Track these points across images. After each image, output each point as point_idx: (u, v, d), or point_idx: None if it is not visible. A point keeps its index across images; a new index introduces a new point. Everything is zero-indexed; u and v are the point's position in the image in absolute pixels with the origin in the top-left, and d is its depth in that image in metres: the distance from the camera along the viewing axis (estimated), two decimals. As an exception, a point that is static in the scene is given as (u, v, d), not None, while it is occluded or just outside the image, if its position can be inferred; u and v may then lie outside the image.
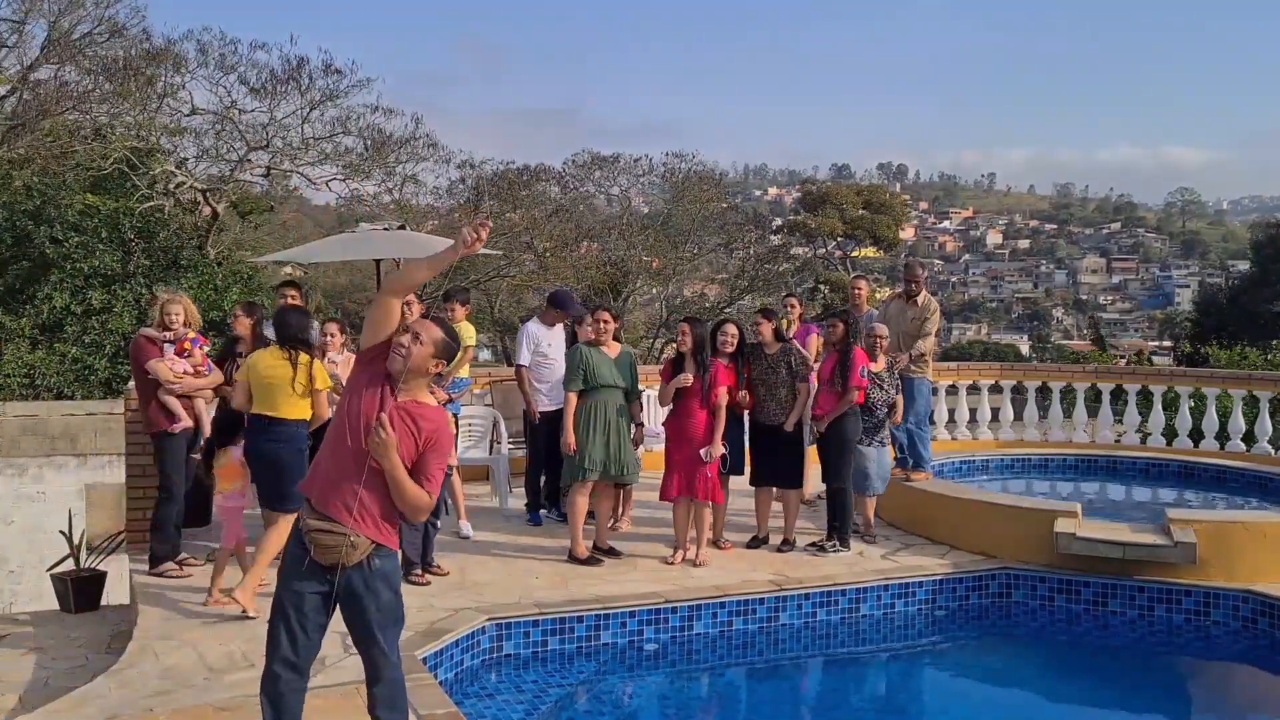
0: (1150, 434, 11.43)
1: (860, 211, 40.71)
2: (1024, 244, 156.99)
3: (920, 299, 8.73)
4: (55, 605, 7.16)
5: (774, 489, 7.95)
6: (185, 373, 7.02)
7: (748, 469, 7.90)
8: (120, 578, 7.36)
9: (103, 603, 7.18)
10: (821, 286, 39.21)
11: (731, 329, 7.66)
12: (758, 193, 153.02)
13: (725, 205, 38.07)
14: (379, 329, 3.90)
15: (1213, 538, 7.03)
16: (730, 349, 7.57)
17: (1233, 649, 6.86)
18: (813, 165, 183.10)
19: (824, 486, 8.08)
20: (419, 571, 6.84)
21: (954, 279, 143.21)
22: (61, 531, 7.63)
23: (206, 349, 7.27)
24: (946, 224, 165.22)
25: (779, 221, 46.50)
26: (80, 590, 7.02)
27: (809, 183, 55.46)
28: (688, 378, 7.31)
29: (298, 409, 6.26)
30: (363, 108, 23.18)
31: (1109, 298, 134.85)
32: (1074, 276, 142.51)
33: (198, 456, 7.05)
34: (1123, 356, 23.72)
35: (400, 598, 4.01)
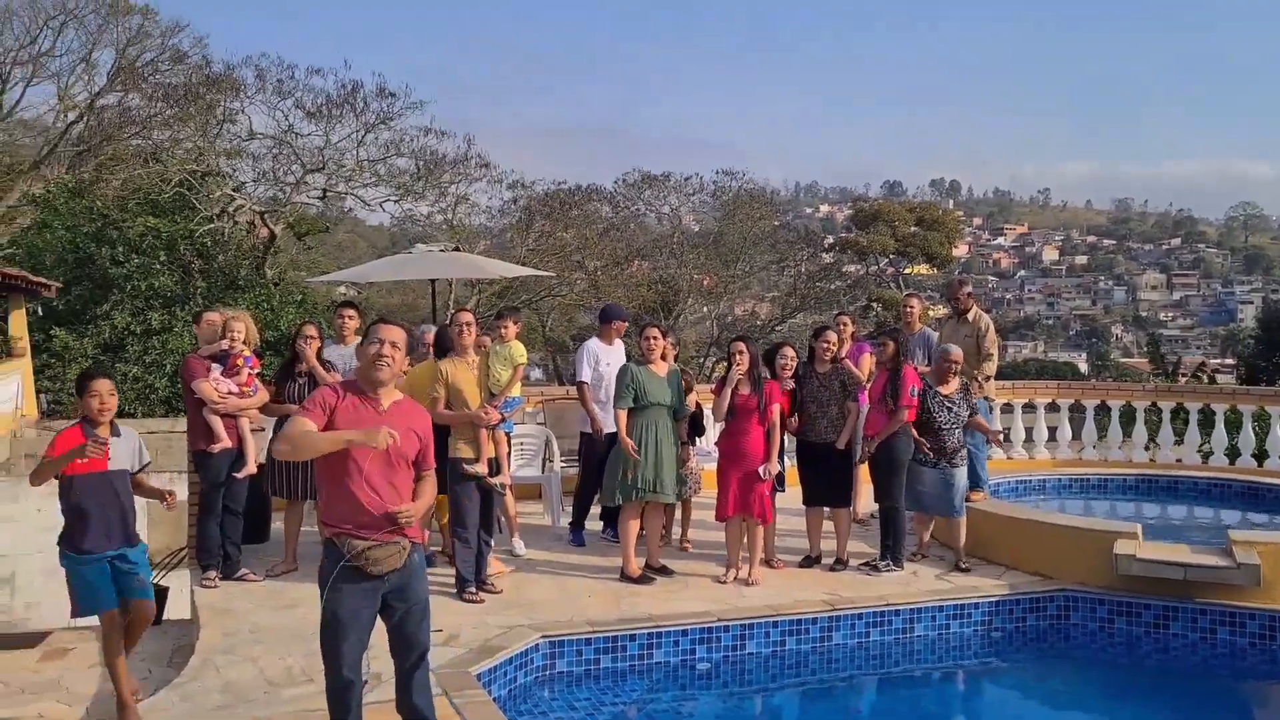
0: (1212, 453, 11.21)
1: (912, 228, 40.41)
2: (1081, 260, 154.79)
3: (971, 315, 8.66)
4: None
5: (825, 508, 7.91)
6: (230, 393, 7.17)
7: (788, 487, 7.88)
8: (182, 592, 7.51)
9: (165, 617, 7.33)
10: (874, 304, 38.93)
11: (790, 351, 7.71)
12: (809, 210, 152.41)
13: (776, 223, 38.04)
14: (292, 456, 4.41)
15: (1278, 559, 6.87)
16: (789, 373, 7.62)
17: (1301, 674, 6.69)
18: (864, 183, 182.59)
19: (876, 506, 8.03)
20: (473, 589, 6.90)
21: (1009, 296, 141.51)
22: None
23: (257, 370, 7.41)
24: (1001, 240, 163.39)
25: (830, 239, 46.38)
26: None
27: (861, 200, 55.23)
28: (742, 367, 7.32)
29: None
30: (416, 130, 23.60)
31: (1169, 314, 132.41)
32: (1133, 293, 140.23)
33: (240, 475, 7.23)
34: (1184, 374, 23.17)
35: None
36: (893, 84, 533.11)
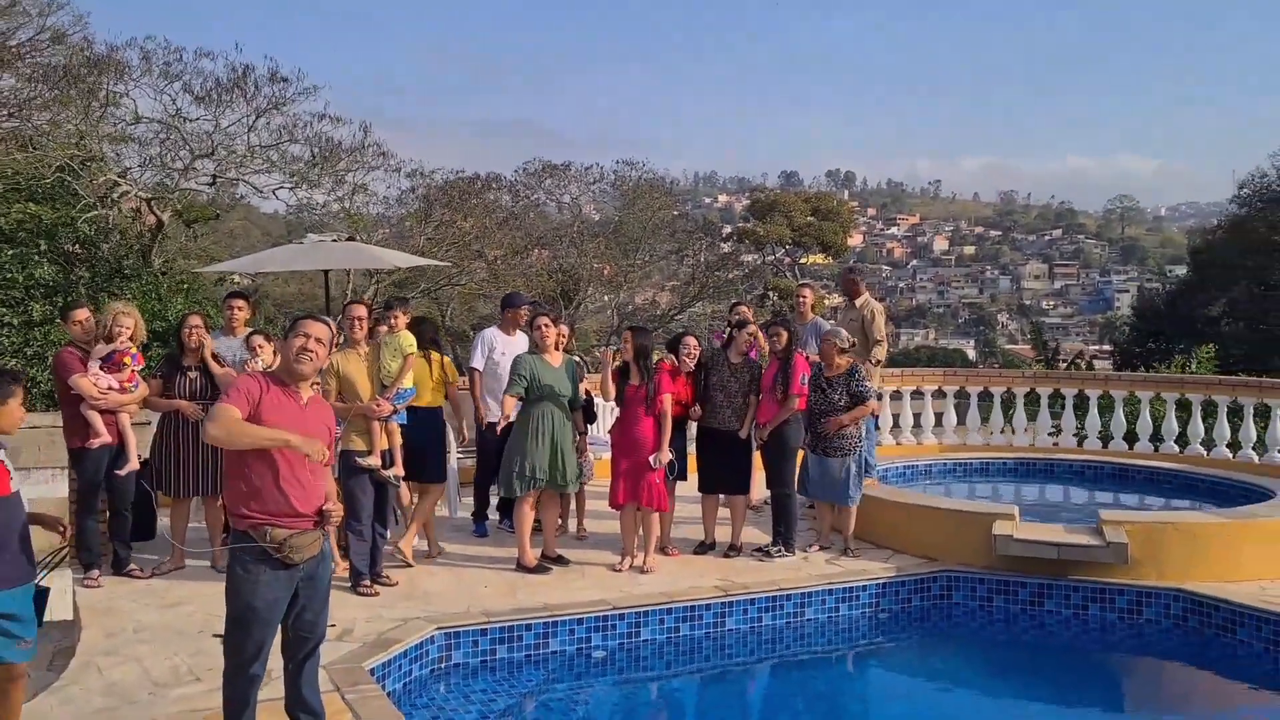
0: (1086, 436, 11.72)
1: (808, 218, 41.05)
2: (969, 250, 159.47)
3: (859, 301, 8.92)
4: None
5: (720, 495, 8.05)
6: (110, 388, 6.97)
7: (691, 475, 8.00)
8: (64, 593, 7.26)
9: (46, 619, 7.08)
10: (770, 293, 39.48)
11: (692, 341, 7.85)
12: (708, 200, 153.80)
13: (675, 213, 38.32)
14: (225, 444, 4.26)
15: (1144, 538, 7.25)
16: (693, 362, 7.76)
17: (1164, 646, 7.06)
18: (762, 173, 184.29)
19: (769, 492, 8.20)
20: (367, 582, 6.85)
21: (902, 285, 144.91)
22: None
23: (141, 367, 7.19)
24: (894, 230, 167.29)
25: (729, 229, 46.81)
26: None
27: (758, 190, 55.78)
28: (626, 354, 7.48)
29: (434, 398, 7.69)
30: (309, 115, 23.02)
31: (1051, 303, 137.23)
32: (1017, 282, 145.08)
33: (122, 472, 7.05)
34: (1063, 360, 24.13)
35: None
36: (794, 77, 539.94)
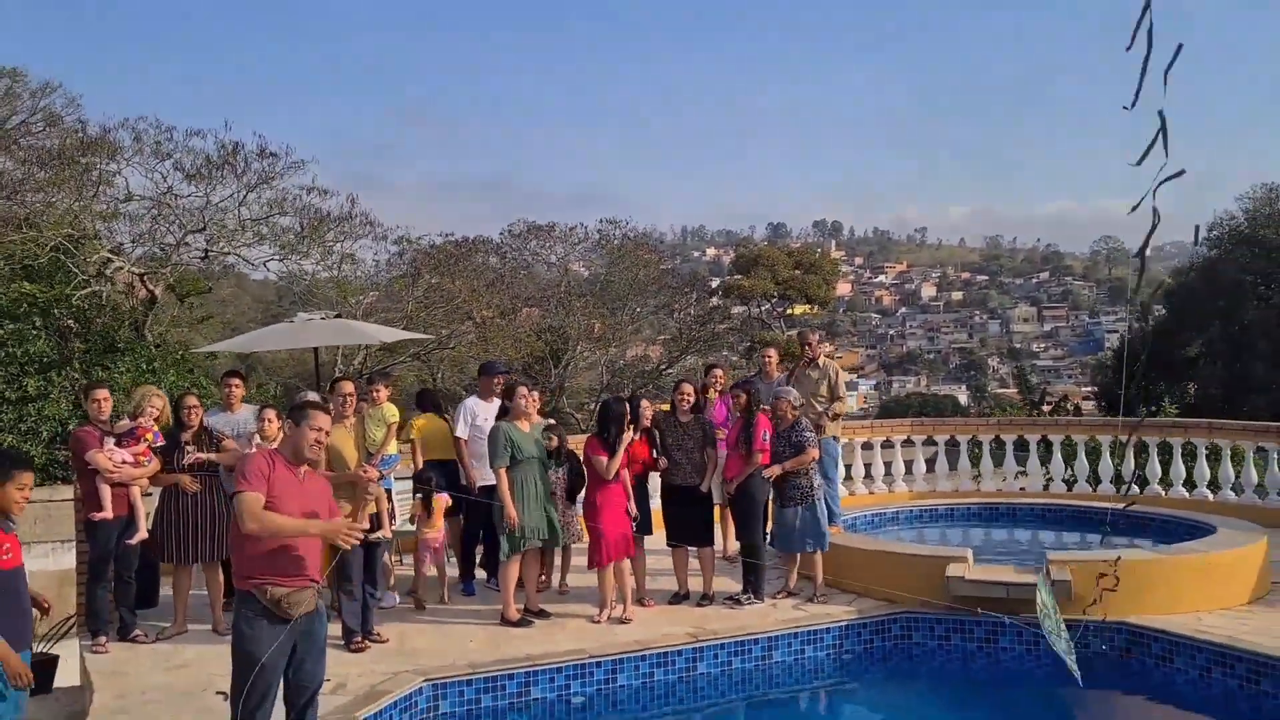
0: (1051, 480, 12.22)
1: (793, 271, 41.85)
2: (958, 295, 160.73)
3: (821, 362, 9.48)
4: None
5: (689, 547, 8.53)
6: (125, 461, 7.49)
7: (658, 531, 8.51)
8: (70, 660, 7.69)
9: (55, 685, 7.51)
10: (758, 346, 40.10)
11: (645, 403, 8.38)
12: (696, 254, 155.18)
13: (663, 268, 39.00)
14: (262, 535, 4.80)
15: (1088, 575, 7.72)
16: (647, 422, 8.30)
17: (1109, 677, 7.50)
18: (749, 225, 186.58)
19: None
20: (359, 638, 7.30)
21: (891, 332, 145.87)
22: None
23: (159, 445, 7.74)
24: (882, 278, 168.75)
25: (717, 282, 47.63)
26: (34, 673, 7.37)
27: (743, 244, 56.83)
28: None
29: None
30: (298, 189, 23.74)
31: (1041, 345, 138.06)
32: (1007, 326, 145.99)
33: (133, 541, 7.54)
34: (1049, 404, 24.66)
35: None
36: (780, 130, 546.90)
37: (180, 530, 7.77)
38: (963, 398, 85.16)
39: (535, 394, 8.40)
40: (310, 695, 4.95)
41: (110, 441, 7.51)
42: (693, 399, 8.47)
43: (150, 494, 7.94)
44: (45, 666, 7.55)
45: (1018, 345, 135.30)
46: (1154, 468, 11.76)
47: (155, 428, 7.69)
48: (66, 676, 7.87)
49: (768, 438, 8.31)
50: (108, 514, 7.40)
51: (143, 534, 7.61)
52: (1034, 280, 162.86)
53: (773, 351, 10.23)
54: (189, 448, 7.80)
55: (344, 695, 6.27)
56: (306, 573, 4.83)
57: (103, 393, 7.75)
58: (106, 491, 7.39)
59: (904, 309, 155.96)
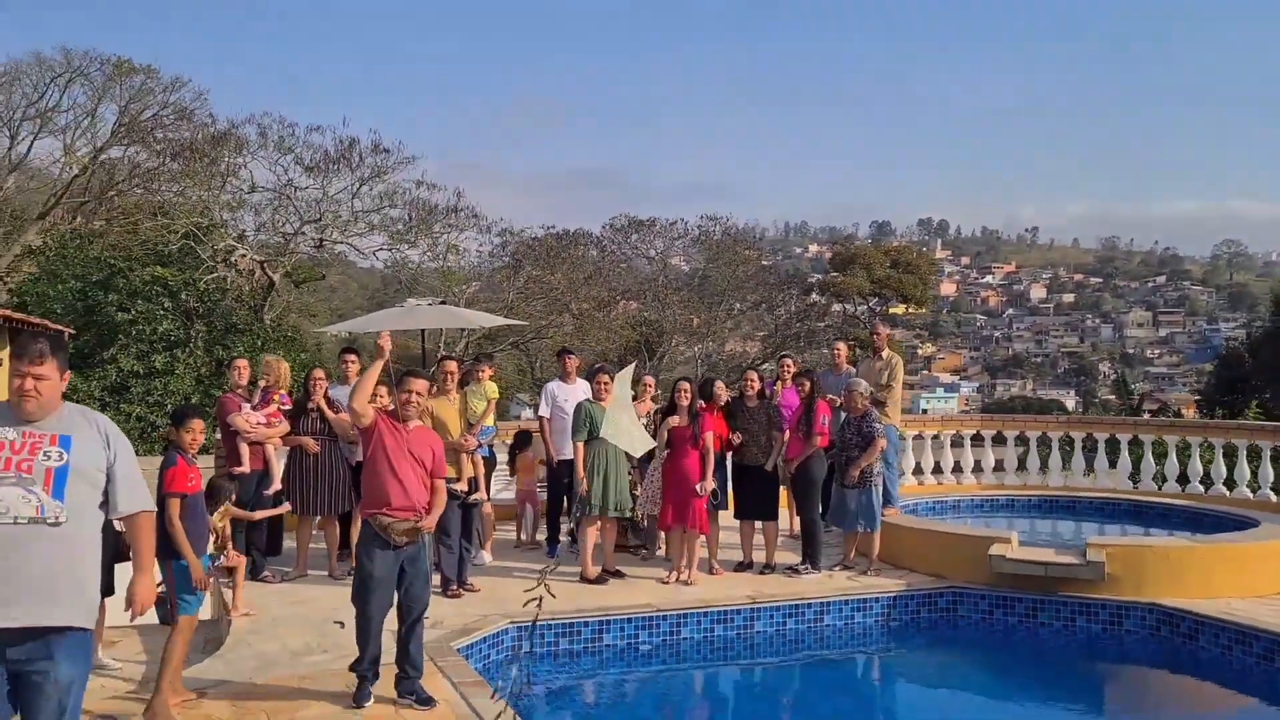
0: (1117, 476, 12.63)
1: (888, 270, 42.02)
2: (1069, 298, 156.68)
3: (884, 354, 10.16)
4: (155, 620, 8.68)
5: (755, 521, 9.32)
6: (259, 423, 8.64)
7: (730, 505, 9.31)
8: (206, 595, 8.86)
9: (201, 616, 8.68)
10: (853, 344, 40.41)
11: (719, 384, 9.21)
12: (799, 250, 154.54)
13: (763, 264, 39.55)
14: (360, 420, 6.00)
15: (1122, 558, 8.28)
16: (723, 401, 9.12)
17: (1141, 654, 8.07)
18: (853, 222, 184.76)
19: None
20: (455, 587, 8.29)
21: (997, 334, 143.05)
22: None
23: (288, 407, 8.90)
24: (989, 279, 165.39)
25: (816, 278, 48.02)
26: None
27: (842, 242, 56.98)
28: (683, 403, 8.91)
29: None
30: (408, 183, 25.16)
31: (1156, 351, 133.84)
32: (1120, 330, 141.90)
33: (269, 492, 8.67)
34: (1148, 410, 24.69)
35: None
36: (891, 125, 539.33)
37: (302, 486, 8.87)
38: (1070, 403, 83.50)
39: (649, 379, 9.41)
40: (417, 615, 5.91)
41: (247, 407, 8.66)
42: (758, 385, 9.25)
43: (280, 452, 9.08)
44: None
45: (1130, 350, 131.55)
46: (1218, 468, 12.08)
47: (281, 389, 8.85)
48: (202, 611, 9.06)
49: (826, 422, 9.04)
50: (245, 468, 8.54)
51: (276, 485, 8.74)
52: (1150, 284, 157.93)
53: (842, 346, 10.95)
54: (312, 414, 8.90)
55: (441, 629, 7.25)
56: (410, 507, 5.80)
57: (242, 362, 8.95)
58: (245, 449, 8.54)
59: (1011, 310, 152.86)
